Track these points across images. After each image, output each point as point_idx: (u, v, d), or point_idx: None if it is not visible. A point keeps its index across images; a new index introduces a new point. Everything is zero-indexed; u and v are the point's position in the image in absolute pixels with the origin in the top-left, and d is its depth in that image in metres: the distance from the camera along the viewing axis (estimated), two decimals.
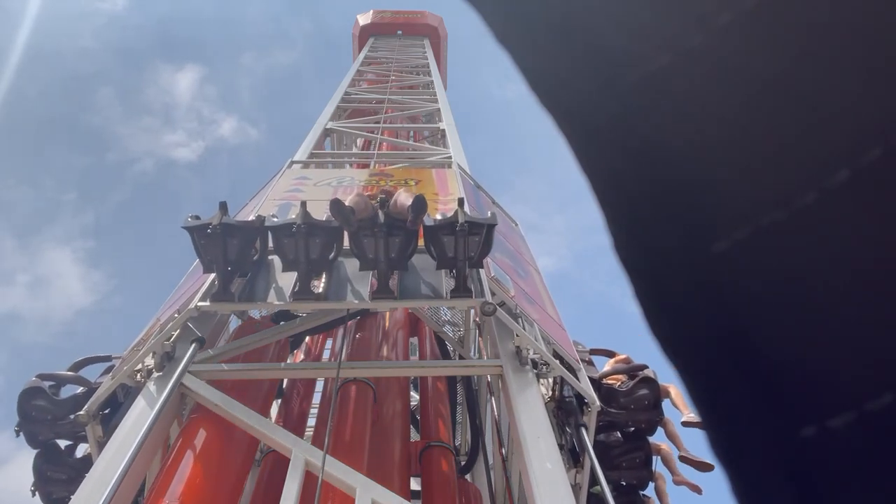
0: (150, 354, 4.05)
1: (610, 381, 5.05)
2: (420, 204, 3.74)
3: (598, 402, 4.18)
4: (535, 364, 4.08)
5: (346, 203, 3.91)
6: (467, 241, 3.80)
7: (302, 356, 6.96)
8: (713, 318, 0.36)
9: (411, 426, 5.50)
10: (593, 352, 5.67)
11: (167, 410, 3.68)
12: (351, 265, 4.22)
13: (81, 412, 4.02)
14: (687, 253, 0.35)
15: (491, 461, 5.54)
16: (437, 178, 7.96)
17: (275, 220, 4.15)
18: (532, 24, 0.37)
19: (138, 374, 4.04)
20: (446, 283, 4.25)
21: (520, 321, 4.31)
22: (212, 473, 3.69)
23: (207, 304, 4.10)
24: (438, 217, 4.11)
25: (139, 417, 3.60)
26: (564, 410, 4.39)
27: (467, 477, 5.69)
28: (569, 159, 0.38)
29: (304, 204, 4.05)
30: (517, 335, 4.13)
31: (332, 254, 4.08)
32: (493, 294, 4.29)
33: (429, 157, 10.99)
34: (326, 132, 12.05)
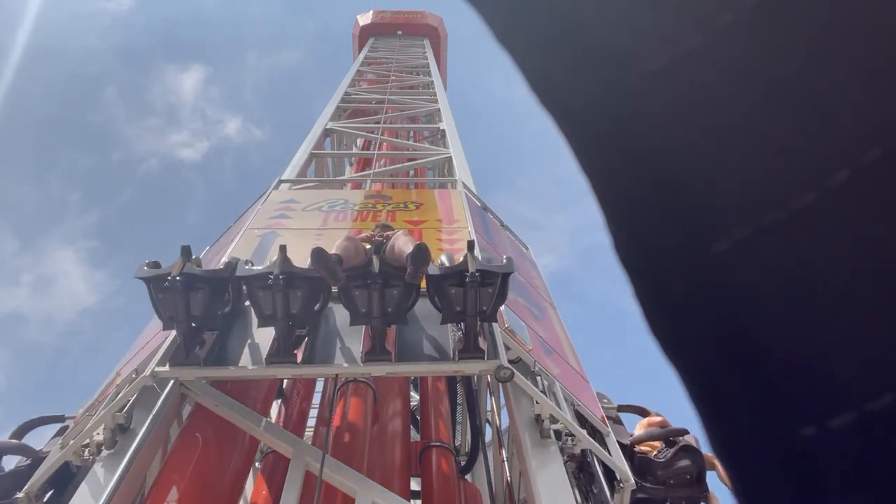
0: (101, 426, 3.47)
1: (644, 449, 4.38)
2: (421, 255, 3.20)
3: (632, 480, 3.60)
4: (557, 435, 3.55)
5: (334, 249, 3.32)
6: (479, 294, 3.22)
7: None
8: (713, 318, 0.36)
9: (411, 426, 5.50)
10: (621, 409, 5.03)
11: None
12: (341, 313, 3.61)
13: (21, 494, 3.49)
14: (687, 253, 0.35)
15: (491, 461, 5.54)
16: (441, 200, 7.04)
17: (249, 267, 3.48)
18: (532, 24, 0.37)
19: (86, 451, 3.47)
20: (453, 337, 3.65)
21: (538, 380, 3.79)
22: (212, 473, 3.69)
23: (166, 369, 3.48)
24: (443, 260, 3.57)
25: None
26: (588, 474, 3.72)
27: (467, 477, 5.69)
28: (570, 157, 0.38)
29: (283, 250, 3.36)
30: (537, 402, 3.61)
31: (319, 304, 3.51)
32: (507, 349, 3.71)
33: (429, 156, 10.98)
34: (326, 132, 12.05)
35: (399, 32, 24.31)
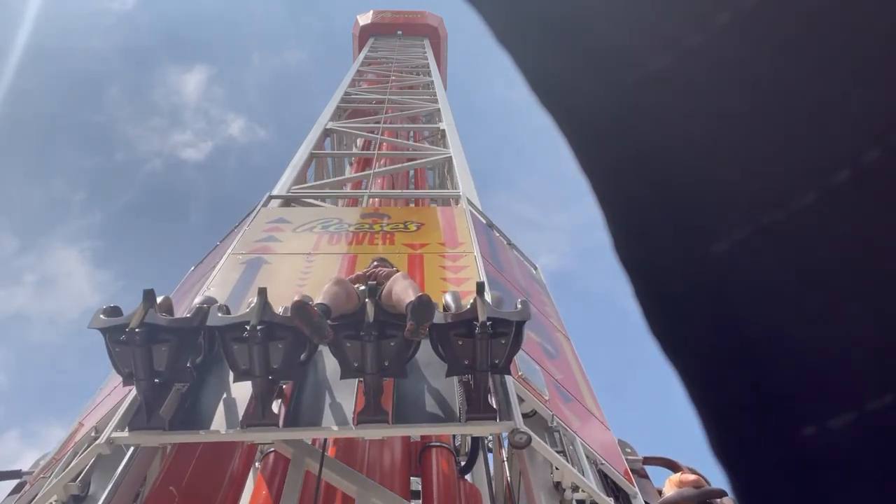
0: (53, 496, 3.14)
1: None
2: (423, 310, 2.73)
3: None
4: None
5: (320, 297, 2.87)
6: (490, 346, 2.79)
7: None
8: (713, 318, 0.36)
9: None
10: (647, 461, 4.57)
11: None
12: (332, 359, 3.09)
13: None
14: (687, 253, 0.35)
15: (491, 461, 5.52)
16: (444, 219, 6.36)
17: (222, 315, 2.95)
18: (532, 24, 0.37)
19: None
20: (460, 391, 3.18)
21: (557, 436, 3.38)
22: (212, 473, 3.69)
23: (124, 435, 3.01)
24: (448, 301, 3.16)
25: None
26: None
27: (467, 477, 5.68)
28: (570, 157, 0.38)
29: (262, 294, 2.89)
30: (556, 468, 3.22)
31: (305, 354, 3.07)
32: (521, 400, 3.28)
33: (429, 157, 10.97)
34: (326, 132, 12.05)
35: (399, 32, 24.32)
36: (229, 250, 5.35)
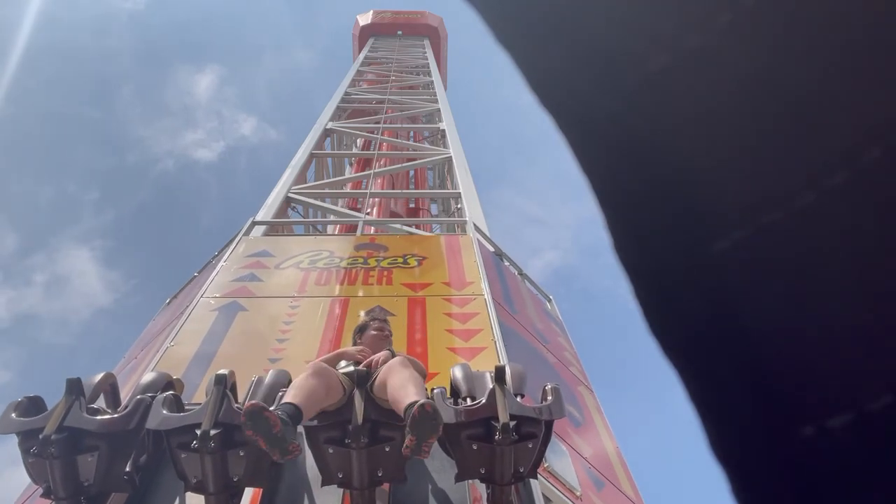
0: None
1: None
2: (427, 424, 2.10)
3: None
4: None
5: (289, 395, 2.23)
6: (514, 453, 2.21)
7: None
8: (713, 318, 0.36)
9: None
10: None
11: None
12: (311, 457, 2.43)
13: None
14: (687, 253, 0.35)
15: None
16: (448, 251, 5.52)
17: (167, 414, 2.27)
18: (531, 24, 0.37)
19: None
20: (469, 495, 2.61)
21: None
22: None
23: None
24: (457, 377, 2.61)
25: None
26: None
27: None
28: (571, 156, 0.38)
29: (220, 383, 2.24)
30: None
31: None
32: (548, 500, 2.75)
33: (429, 157, 10.97)
34: (326, 132, 12.05)
35: (399, 32, 24.32)
36: (201, 292, 4.60)
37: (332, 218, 8.89)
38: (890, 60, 0.29)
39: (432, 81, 16.63)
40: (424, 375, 2.68)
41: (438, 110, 13.64)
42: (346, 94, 14.77)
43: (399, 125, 13.82)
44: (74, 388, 2.25)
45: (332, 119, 12.62)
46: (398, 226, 7.88)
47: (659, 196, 0.36)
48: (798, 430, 0.33)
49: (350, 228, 8.93)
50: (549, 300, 6.26)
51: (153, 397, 2.41)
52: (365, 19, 24.15)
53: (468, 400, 2.48)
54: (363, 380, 2.36)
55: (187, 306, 4.49)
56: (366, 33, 23.79)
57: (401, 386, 2.29)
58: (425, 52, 21.47)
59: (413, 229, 7.37)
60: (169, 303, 5.79)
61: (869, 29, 0.29)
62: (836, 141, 0.31)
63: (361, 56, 20.46)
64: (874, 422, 0.31)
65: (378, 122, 13.12)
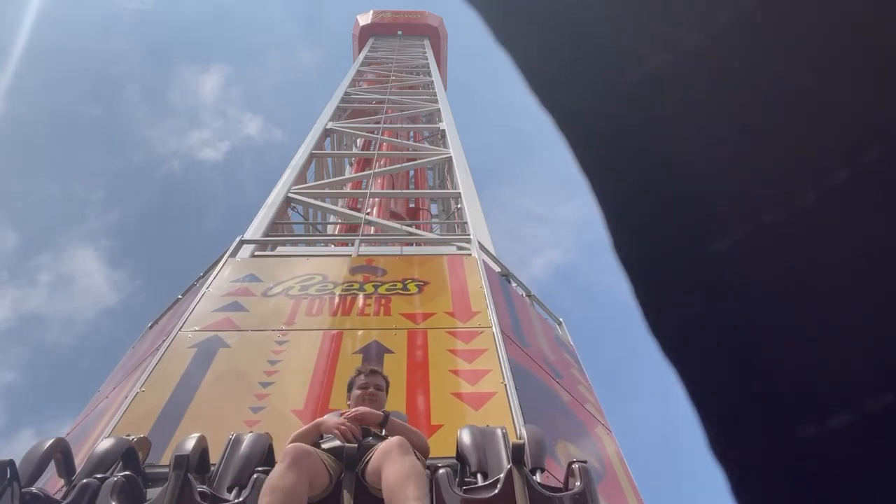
0: None
1: None
2: None
3: None
4: None
5: (266, 489, 1.91)
6: None
7: None
8: (713, 317, 0.36)
9: None
10: None
11: None
12: None
13: None
14: (686, 252, 0.35)
15: None
16: (451, 274, 5.05)
17: (115, 500, 1.94)
18: (531, 24, 0.37)
19: None
20: None
21: None
22: None
23: None
24: (464, 441, 2.33)
25: None
26: None
27: None
28: (571, 156, 0.38)
29: (179, 466, 1.92)
30: None
31: None
32: None
33: (429, 157, 10.97)
34: (326, 132, 12.06)
35: (399, 32, 24.31)
36: (179, 324, 4.11)
37: (332, 218, 8.89)
38: (890, 60, 0.29)
39: (432, 81, 16.63)
40: (427, 452, 2.37)
41: (438, 110, 13.64)
42: (346, 94, 14.77)
43: (399, 125, 13.82)
44: (5, 472, 1.93)
45: (332, 119, 12.62)
46: (398, 225, 7.88)
47: (659, 196, 0.36)
48: (798, 429, 0.33)
49: (350, 228, 8.84)
50: (560, 323, 5.87)
51: (103, 480, 2.04)
52: (365, 19, 24.16)
53: (478, 476, 2.17)
54: (352, 463, 2.04)
55: (163, 340, 4.04)
56: (366, 33, 23.80)
57: (397, 483, 1.93)
58: (425, 52, 21.47)
59: (413, 229, 7.34)
60: (151, 327, 5.24)
61: (869, 29, 0.29)
62: (836, 141, 0.31)
63: (361, 56, 20.47)
64: (874, 422, 0.31)
65: (378, 122, 13.12)
